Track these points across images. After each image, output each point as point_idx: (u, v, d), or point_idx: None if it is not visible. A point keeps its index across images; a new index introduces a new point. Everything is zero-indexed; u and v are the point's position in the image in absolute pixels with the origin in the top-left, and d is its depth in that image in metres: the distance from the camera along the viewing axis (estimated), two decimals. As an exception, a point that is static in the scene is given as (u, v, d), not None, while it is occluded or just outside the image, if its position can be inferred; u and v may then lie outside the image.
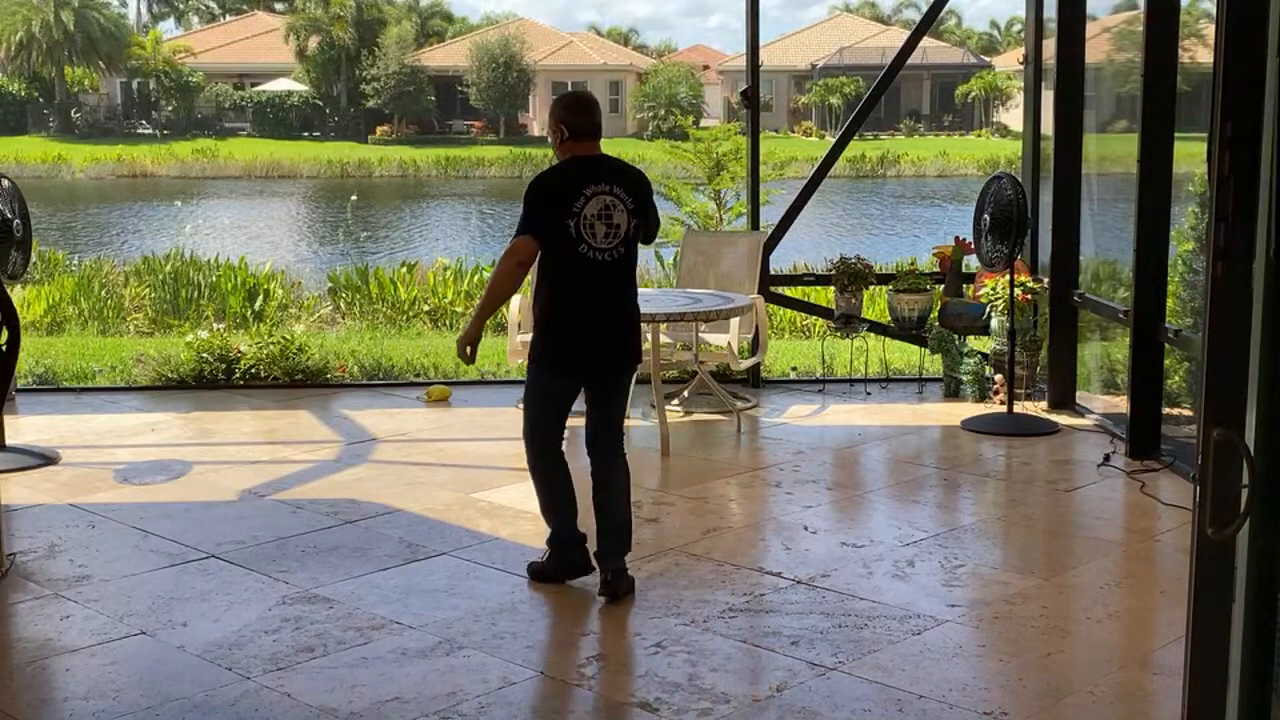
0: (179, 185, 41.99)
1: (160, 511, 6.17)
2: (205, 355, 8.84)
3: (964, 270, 8.74)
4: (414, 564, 5.45)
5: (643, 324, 7.42)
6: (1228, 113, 2.24)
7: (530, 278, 5.39)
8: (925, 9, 9.21)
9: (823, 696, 4.17)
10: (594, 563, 5.14)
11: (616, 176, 4.98)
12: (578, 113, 5.03)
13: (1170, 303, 6.93)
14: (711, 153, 17.00)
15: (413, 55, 53.82)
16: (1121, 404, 7.44)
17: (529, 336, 8.07)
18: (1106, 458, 6.94)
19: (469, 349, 5.02)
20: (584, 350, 5.04)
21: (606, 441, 5.13)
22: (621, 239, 4.94)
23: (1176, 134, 6.75)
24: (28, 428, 7.70)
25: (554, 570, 5.19)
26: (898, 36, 34.12)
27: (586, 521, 5.17)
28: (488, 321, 5.11)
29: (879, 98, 9.70)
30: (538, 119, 54.40)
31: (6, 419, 7.15)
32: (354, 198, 30.39)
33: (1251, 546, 2.25)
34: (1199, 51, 6.99)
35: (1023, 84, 9.22)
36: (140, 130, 54.07)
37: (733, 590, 5.11)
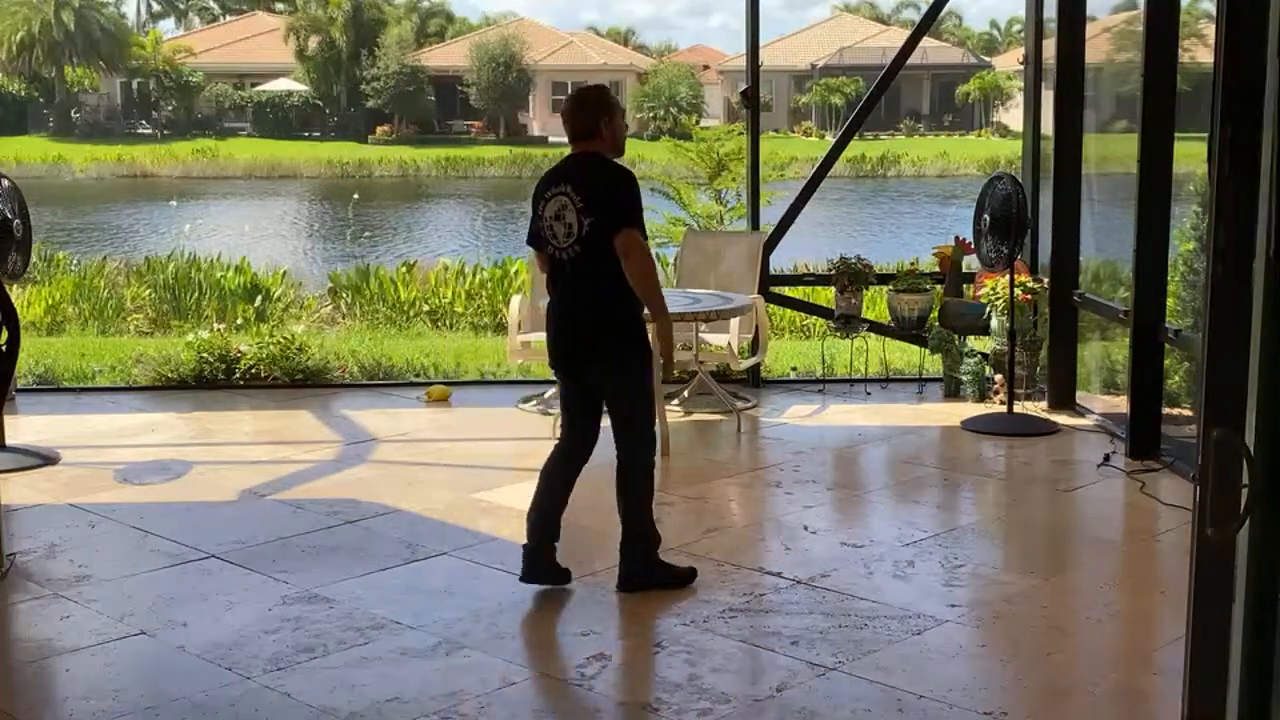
0: (179, 185, 41.98)
1: (160, 511, 6.17)
2: (205, 355, 8.83)
3: (964, 270, 8.75)
4: (414, 564, 5.45)
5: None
6: (1228, 113, 2.24)
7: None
8: (925, 9, 9.21)
9: (823, 696, 4.17)
10: (537, 577, 5.10)
11: (571, 176, 5.01)
12: (563, 116, 5.13)
13: (1170, 303, 6.93)
14: (713, 153, 16.99)
15: (413, 55, 53.79)
16: (1121, 404, 7.44)
17: (529, 336, 8.14)
18: (1106, 458, 6.94)
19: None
20: (556, 347, 5.15)
21: (620, 442, 5.14)
22: (577, 238, 4.94)
23: (1176, 134, 6.74)
24: (28, 428, 7.70)
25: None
26: (898, 36, 34.08)
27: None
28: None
29: (879, 98, 9.70)
30: (537, 119, 54.37)
31: (6, 419, 7.14)
32: (356, 196, 30.41)
33: (1251, 546, 2.25)
34: (1199, 51, 6.99)
35: (1023, 84, 9.22)
36: (140, 130, 54.04)
37: (733, 590, 5.11)
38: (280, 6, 62.70)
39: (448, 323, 12.48)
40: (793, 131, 53.59)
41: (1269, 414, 2.21)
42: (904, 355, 9.33)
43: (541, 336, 8.10)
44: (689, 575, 5.19)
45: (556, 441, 5.26)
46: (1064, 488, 6.59)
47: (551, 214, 4.97)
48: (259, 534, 5.82)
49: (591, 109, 5.04)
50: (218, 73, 55.38)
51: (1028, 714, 4.09)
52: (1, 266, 6.85)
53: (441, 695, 4.20)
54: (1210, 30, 6.77)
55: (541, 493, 5.16)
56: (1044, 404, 8.12)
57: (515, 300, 8.38)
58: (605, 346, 5.01)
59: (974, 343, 8.54)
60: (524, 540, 5.12)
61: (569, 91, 5.74)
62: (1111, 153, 8.23)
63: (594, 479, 6.89)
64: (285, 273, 13.97)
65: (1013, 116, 47.03)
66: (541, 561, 5.10)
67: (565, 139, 5.13)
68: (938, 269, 9.00)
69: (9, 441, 7.14)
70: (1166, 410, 7.02)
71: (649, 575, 5.11)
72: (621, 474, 5.14)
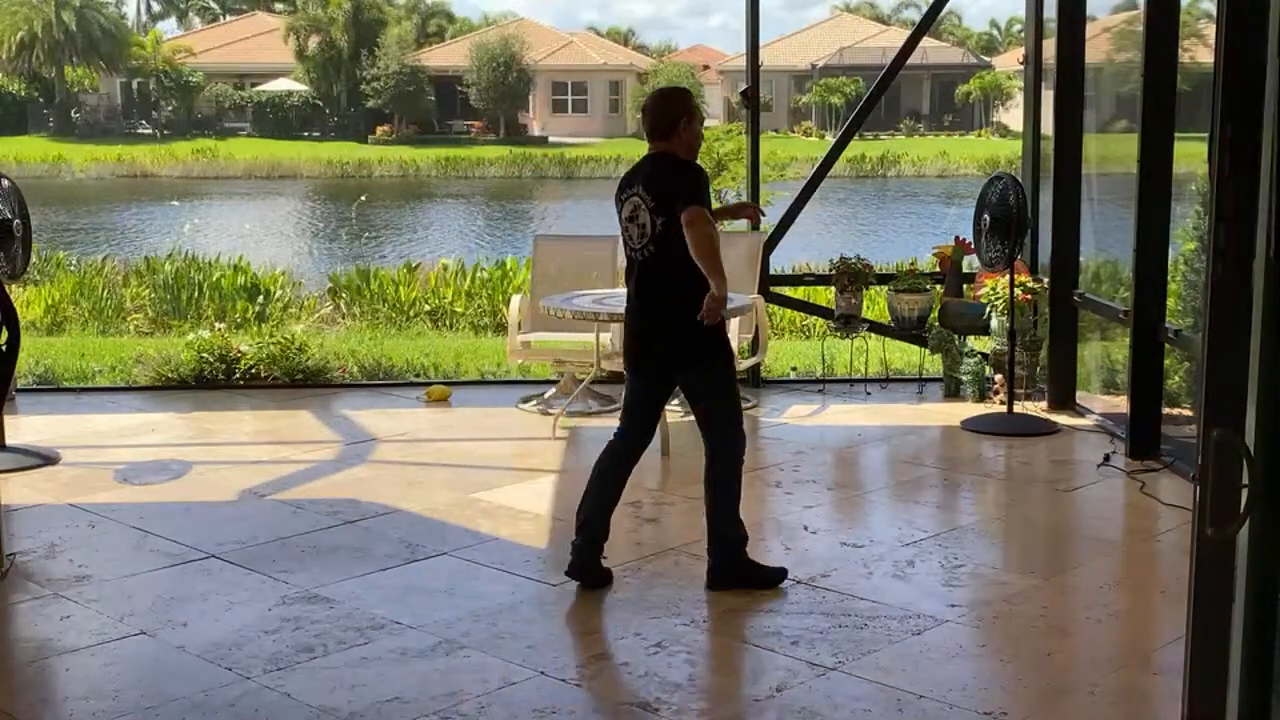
0: (179, 185, 41.98)
1: (160, 511, 6.17)
2: (205, 355, 8.83)
3: (964, 270, 8.75)
4: (414, 564, 5.45)
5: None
6: (1228, 113, 2.24)
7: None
8: (925, 9, 9.21)
9: (823, 696, 4.17)
10: (581, 574, 5.09)
11: (642, 176, 5.01)
12: (643, 110, 5.15)
13: (1170, 303, 6.93)
14: (713, 152, 17.03)
15: (413, 55, 53.79)
16: (1121, 404, 7.44)
17: (529, 336, 8.14)
18: (1106, 458, 6.94)
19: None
20: (628, 347, 5.17)
21: (705, 441, 5.12)
22: (649, 238, 4.94)
23: (1176, 134, 6.75)
24: (28, 428, 7.70)
25: None
26: (898, 36, 34.08)
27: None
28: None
29: (879, 98, 9.71)
30: (538, 119, 54.38)
31: (6, 419, 7.14)
32: (363, 198, 30.40)
33: (1251, 546, 2.25)
34: (1199, 51, 6.99)
35: (1023, 84, 9.22)
36: (140, 130, 54.04)
37: (733, 590, 5.10)
38: (280, 6, 62.71)
39: (448, 323, 12.48)
40: (793, 131, 53.59)
41: (1269, 414, 2.21)
42: (904, 355, 9.33)
43: (540, 336, 8.18)
44: (779, 575, 5.14)
45: (611, 439, 5.21)
46: (1064, 488, 6.59)
47: (627, 216, 5.00)
48: (259, 534, 5.82)
49: (674, 108, 5.04)
50: (218, 73, 55.39)
51: (1028, 714, 4.09)
52: (2, 266, 6.85)
53: (441, 695, 4.20)
54: (1210, 30, 6.77)
55: (594, 490, 5.13)
56: (1044, 404, 8.12)
57: (515, 300, 8.37)
58: (682, 349, 4.97)
59: (974, 343, 8.54)
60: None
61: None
62: (1111, 153, 8.23)
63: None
64: (284, 272, 13.97)
65: (1013, 116, 47.04)
66: (589, 559, 5.09)
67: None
68: (938, 269, 9.00)
69: (9, 441, 7.14)
70: (1166, 410, 7.03)
71: (737, 573, 5.08)
72: (709, 473, 5.11)
